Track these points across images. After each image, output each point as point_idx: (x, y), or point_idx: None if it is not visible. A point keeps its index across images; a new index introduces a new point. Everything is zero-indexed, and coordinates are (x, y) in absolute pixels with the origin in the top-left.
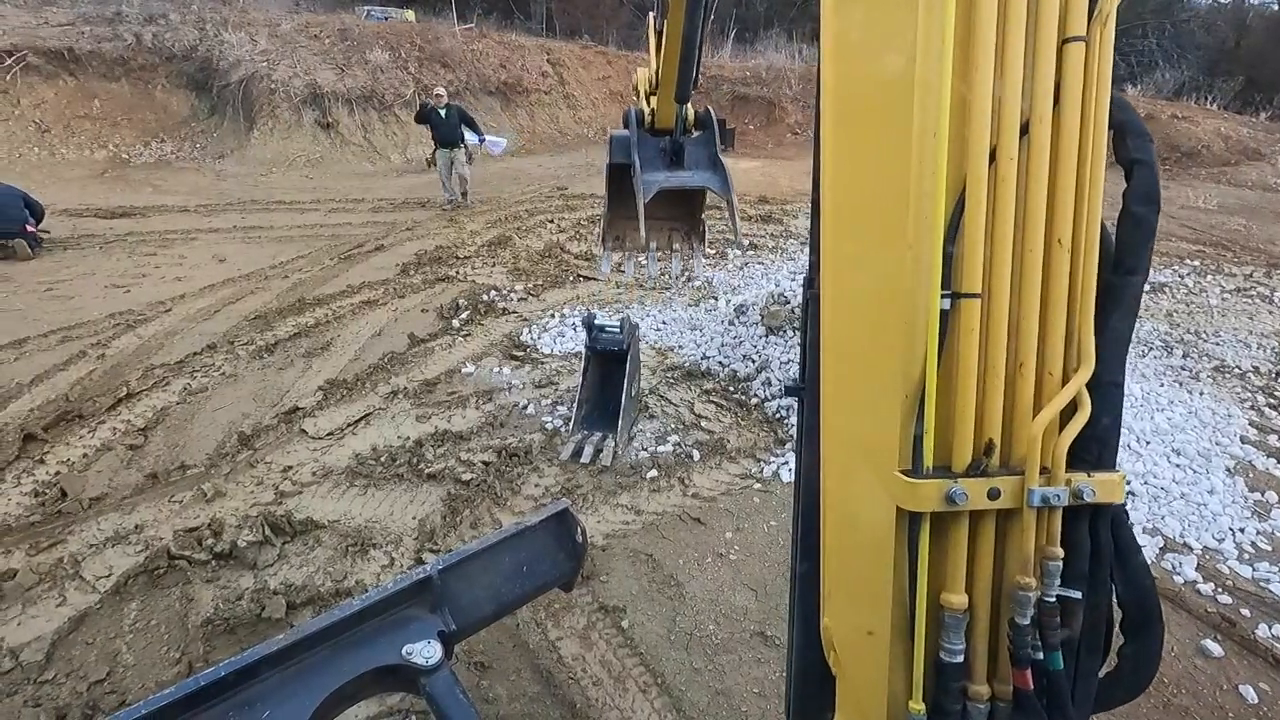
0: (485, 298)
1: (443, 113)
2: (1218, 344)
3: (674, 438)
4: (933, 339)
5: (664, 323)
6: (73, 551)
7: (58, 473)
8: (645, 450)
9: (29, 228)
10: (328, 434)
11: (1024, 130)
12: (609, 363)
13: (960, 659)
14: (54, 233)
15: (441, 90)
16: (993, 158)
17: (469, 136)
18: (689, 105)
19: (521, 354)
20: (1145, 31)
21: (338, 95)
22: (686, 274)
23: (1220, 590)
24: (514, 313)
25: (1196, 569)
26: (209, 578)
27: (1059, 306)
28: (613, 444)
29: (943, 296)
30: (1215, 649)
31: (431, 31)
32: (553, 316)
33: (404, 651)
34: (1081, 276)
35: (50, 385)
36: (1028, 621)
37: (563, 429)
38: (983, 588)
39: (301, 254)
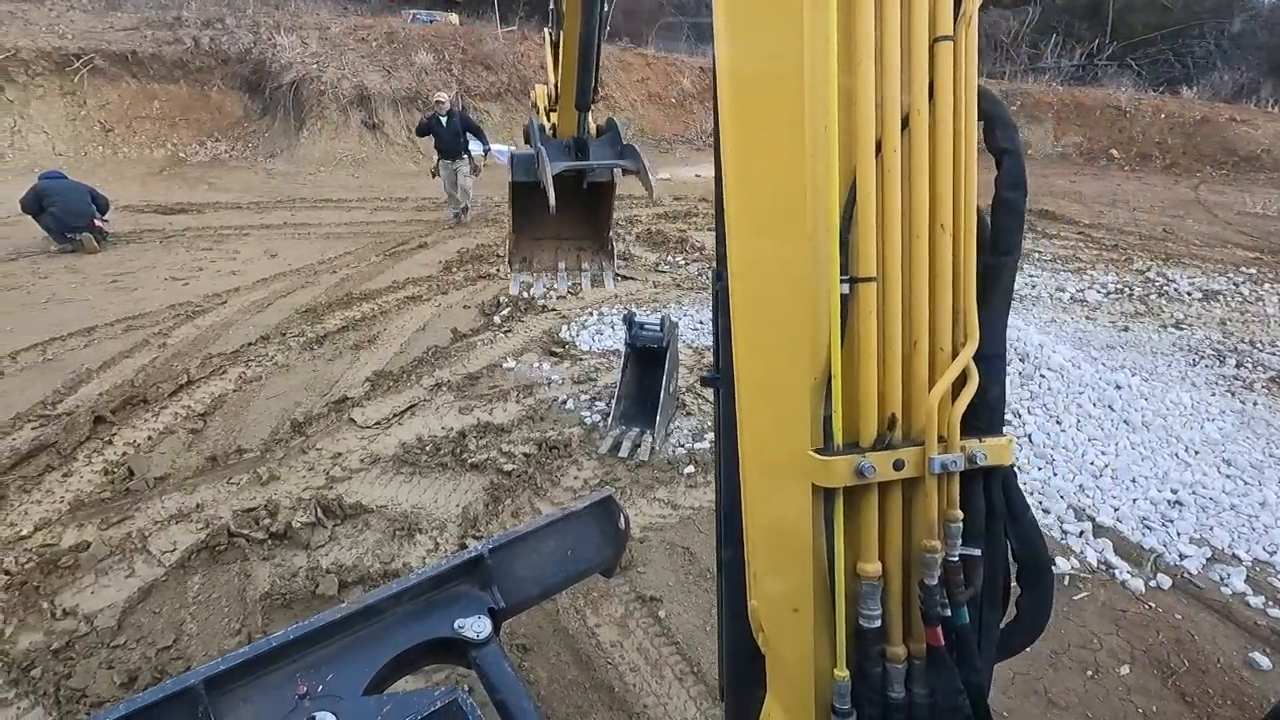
0: (525, 295)
1: (444, 120)
2: (1274, 353)
3: (711, 435)
4: (835, 323)
5: (701, 322)
6: (140, 527)
7: (125, 453)
8: (682, 446)
9: (96, 222)
10: (375, 423)
11: (905, 124)
12: (648, 360)
13: (878, 624)
14: (117, 228)
15: (443, 96)
16: (878, 149)
17: (474, 146)
18: (590, 116)
19: (561, 350)
20: (1202, 32)
21: (383, 96)
22: (598, 288)
23: (1271, 603)
24: (553, 310)
25: (1246, 581)
26: (265, 555)
27: (945, 286)
28: (650, 439)
29: (841, 282)
30: (1264, 662)
31: (475, 34)
32: (591, 314)
33: (456, 625)
34: (963, 258)
35: (117, 371)
36: (935, 582)
37: (601, 424)
38: (894, 555)
39: (348, 250)
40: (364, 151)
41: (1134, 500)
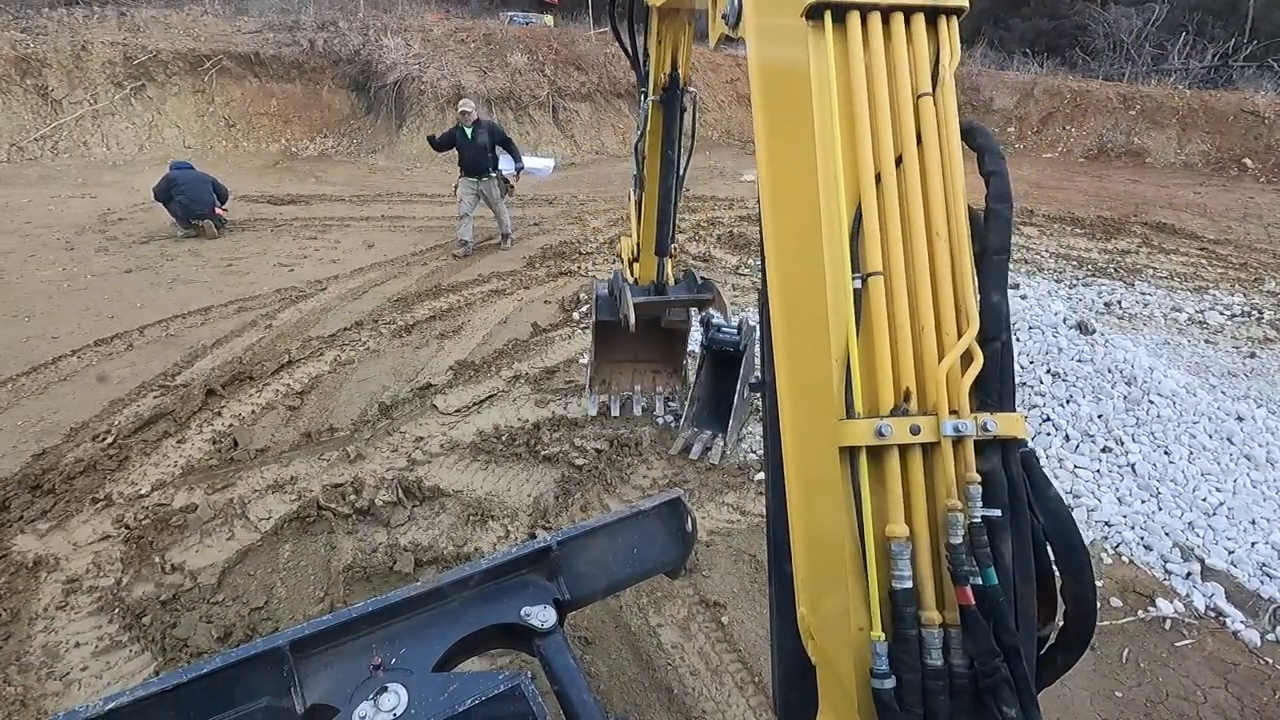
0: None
1: (469, 132)
2: None
3: None
4: (849, 311)
5: None
6: (241, 494)
7: (231, 425)
8: (754, 452)
9: (217, 210)
10: (455, 410)
11: (899, 160)
12: (724, 362)
13: (909, 584)
14: (234, 216)
15: (469, 105)
16: (879, 179)
17: (504, 163)
18: (669, 265)
19: None
20: None
21: (479, 96)
22: (670, 414)
23: None
24: None
25: None
26: (350, 530)
27: (945, 281)
28: (722, 443)
29: (854, 278)
30: None
31: (568, 35)
32: None
33: (522, 613)
34: (958, 258)
35: (228, 349)
36: (960, 541)
37: (672, 424)
38: (921, 520)
39: (439, 243)
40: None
41: (1253, 544)
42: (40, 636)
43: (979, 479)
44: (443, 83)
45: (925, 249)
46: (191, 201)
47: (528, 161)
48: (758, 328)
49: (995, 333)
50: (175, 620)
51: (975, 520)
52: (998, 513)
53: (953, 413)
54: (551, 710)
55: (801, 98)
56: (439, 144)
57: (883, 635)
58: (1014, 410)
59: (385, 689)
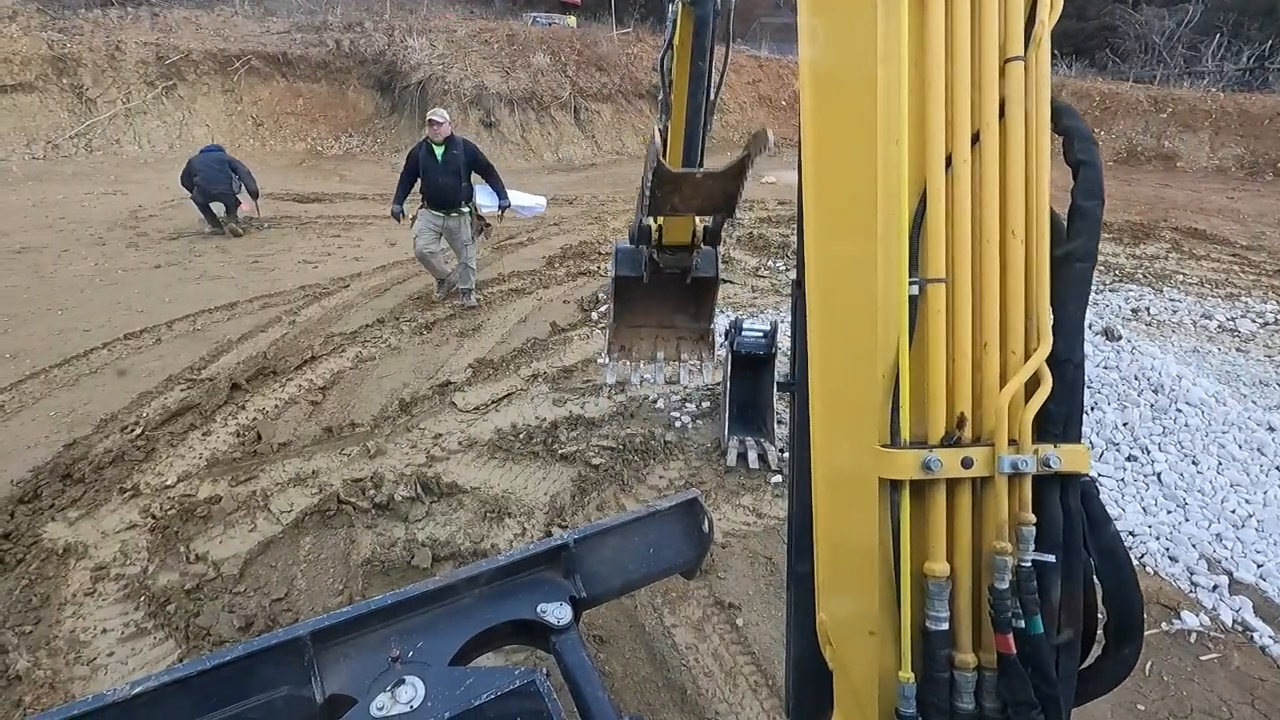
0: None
1: (439, 151)
2: None
3: None
4: (903, 321)
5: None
6: (263, 487)
7: (255, 419)
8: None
9: (236, 195)
10: (474, 408)
11: (976, 139)
12: (752, 365)
13: (945, 626)
14: (261, 214)
15: (440, 115)
16: (949, 162)
17: (482, 196)
18: (698, 220)
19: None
20: None
21: (501, 96)
22: (694, 381)
23: None
24: None
25: None
26: (369, 524)
27: (1016, 290)
28: (773, 449)
29: (911, 283)
30: None
31: (591, 36)
32: None
33: (539, 609)
34: (1035, 263)
35: (253, 344)
36: (1006, 586)
37: (689, 424)
38: (963, 557)
39: None
40: (480, 148)
41: None
42: (69, 622)
43: (1034, 520)
44: (466, 83)
45: (997, 251)
46: (207, 182)
47: (515, 198)
48: (789, 325)
49: (1068, 353)
50: (199, 609)
51: (1024, 564)
52: (1051, 558)
53: (1011, 443)
54: (565, 707)
55: (862, 57)
56: (404, 176)
57: (912, 677)
58: (1079, 441)
59: (403, 681)
